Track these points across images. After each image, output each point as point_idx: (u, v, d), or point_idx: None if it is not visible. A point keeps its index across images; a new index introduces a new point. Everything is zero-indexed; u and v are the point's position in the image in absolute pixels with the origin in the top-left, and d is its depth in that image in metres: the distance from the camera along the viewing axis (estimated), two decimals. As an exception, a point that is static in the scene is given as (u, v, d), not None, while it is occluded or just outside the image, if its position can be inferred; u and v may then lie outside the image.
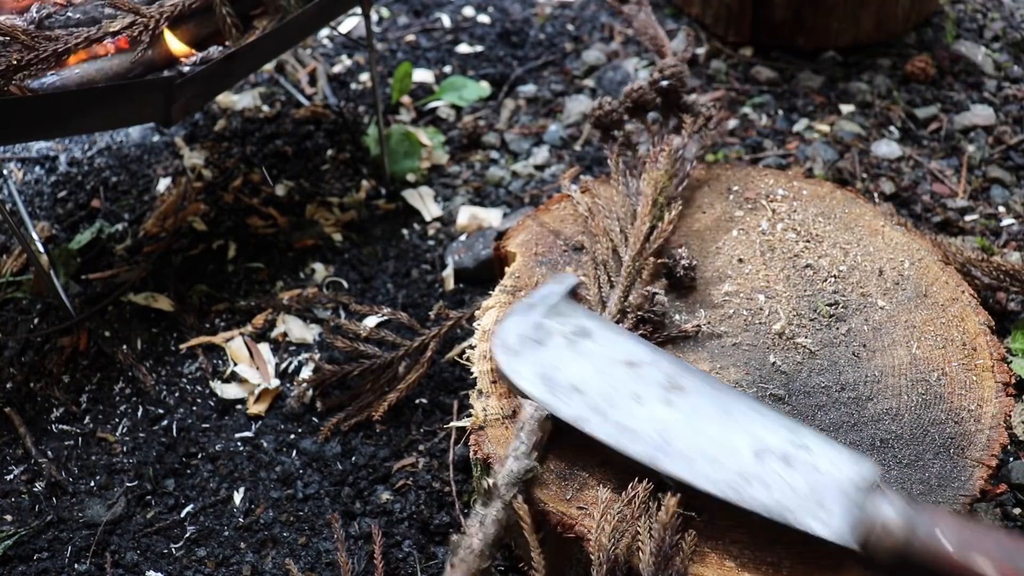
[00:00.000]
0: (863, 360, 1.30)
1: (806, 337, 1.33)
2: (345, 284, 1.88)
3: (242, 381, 1.69)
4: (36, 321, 1.80)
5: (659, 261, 1.43)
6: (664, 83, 1.57)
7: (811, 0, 2.28)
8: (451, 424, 1.60)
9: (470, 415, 1.26)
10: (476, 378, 1.30)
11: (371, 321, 1.76)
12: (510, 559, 1.41)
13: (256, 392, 1.66)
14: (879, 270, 1.43)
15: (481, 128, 2.23)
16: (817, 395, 1.26)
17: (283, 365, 1.72)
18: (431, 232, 2.00)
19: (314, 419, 1.63)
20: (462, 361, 1.35)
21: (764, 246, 1.48)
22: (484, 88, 2.32)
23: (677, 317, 1.36)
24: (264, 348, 1.74)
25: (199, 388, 1.69)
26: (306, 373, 1.70)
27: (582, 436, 1.15)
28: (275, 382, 1.68)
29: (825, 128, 2.17)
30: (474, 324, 1.40)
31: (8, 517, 1.50)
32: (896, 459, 1.19)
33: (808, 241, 1.48)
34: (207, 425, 1.63)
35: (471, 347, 1.35)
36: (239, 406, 1.66)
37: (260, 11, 1.67)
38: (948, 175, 2.05)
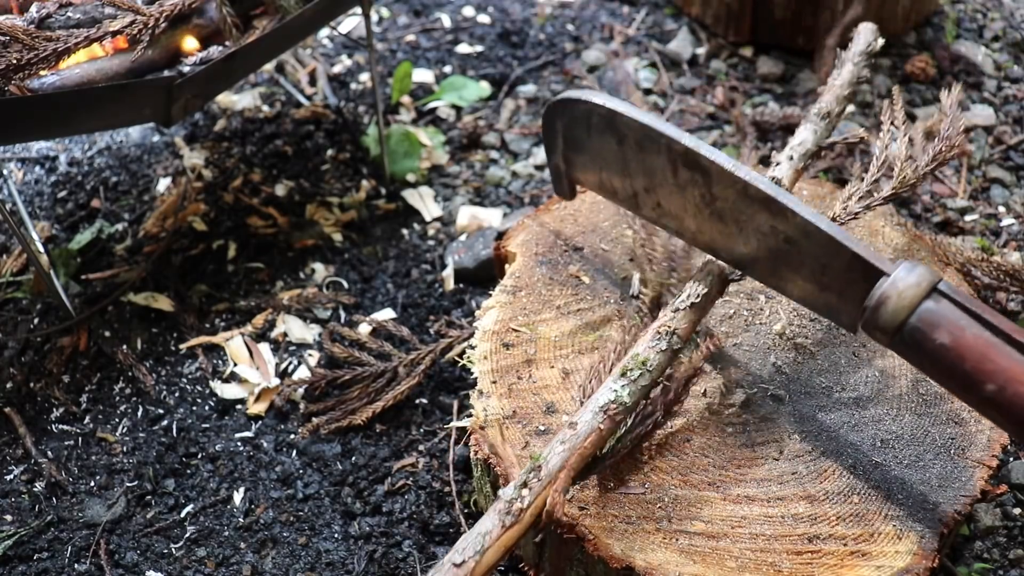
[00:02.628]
0: (863, 360, 1.30)
1: (806, 338, 1.33)
2: (345, 284, 1.88)
3: (242, 381, 1.69)
4: (36, 321, 1.80)
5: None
6: None
7: (811, 0, 2.28)
8: (451, 424, 1.60)
9: (470, 415, 1.26)
10: (476, 378, 1.30)
11: (367, 328, 1.76)
12: (510, 559, 1.41)
13: (256, 392, 1.66)
14: None
15: (481, 128, 2.23)
16: (818, 396, 1.26)
17: (283, 365, 1.72)
18: (431, 232, 2.00)
19: (293, 421, 1.63)
20: (462, 361, 1.35)
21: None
22: (484, 88, 2.32)
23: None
24: (264, 348, 1.74)
25: (199, 388, 1.69)
26: (301, 372, 1.70)
27: None
28: (275, 382, 1.68)
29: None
30: (474, 324, 1.40)
31: (8, 517, 1.50)
32: (897, 459, 1.19)
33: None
34: (207, 425, 1.63)
35: (471, 347, 1.35)
36: (239, 406, 1.66)
37: (260, 11, 1.67)
38: (948, 175, 2.05)
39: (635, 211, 1.30)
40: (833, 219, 1.36)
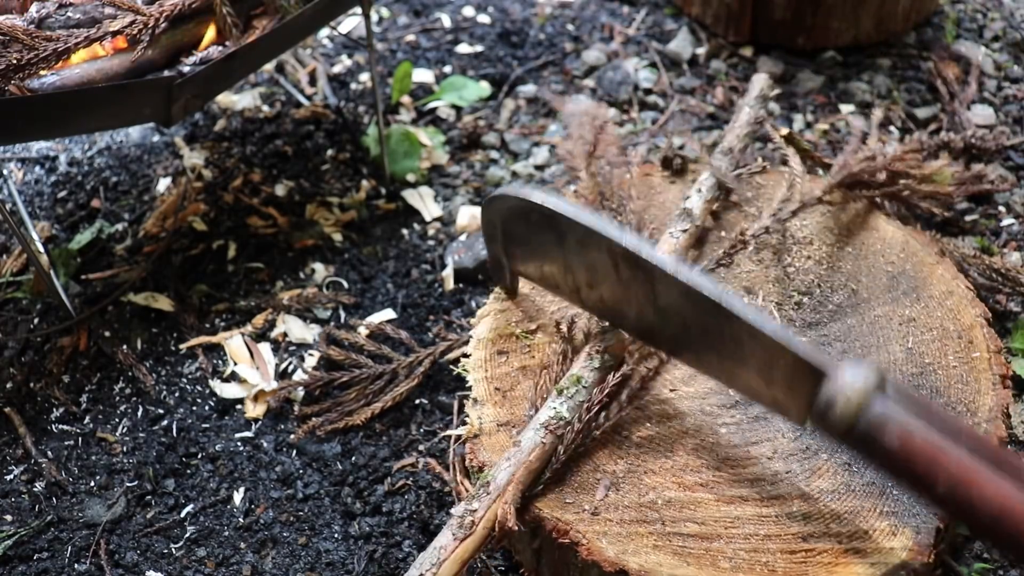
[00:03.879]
0: (856, 356, 1.30)
1: (802, 335, 1.33)
2: (345, 284, 1.88)
3: (242, 381, 1.69)
4: (36, 321, 1.80)
5: None
6: None
7: (811, 0, 2.28)
8: (448, 432, 1.60)
9: (466, 422, 1.26)
10: (472, 386, 1.30)
11: (366, 330, 1.76)
12: (510, 564, 1.41)
13: (253, 393, 1.66)
14: (874, 265, 1.43)
15: (481, 128, 2.23)
16: (814, 394, 1.26)
17: (283, 365, 1.72)
18: (431, 232, 2.00)
19: (292, 421, 1.63)
20: (458, 369, 1.35)
21: (758, 243, 1.48)
22: (484, 88, 2.32)
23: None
24: (264, 348, 1.74)
25: (199, 388, 1.69)
26: (302, 373, 1.70)
27: None
28: (273, 384, 1.67)
29: (825, 128, 2.17)
30: (469, 333, 1.40)
31: (8, 517, 1.50)
32: (895, 458, 1.18)
33: (803, 237, 1.48)
34: (207, 425, 1.63)
35: (465, 355, 1.35)
36: (239, 406, 1.66)
37: (260, 11, 1.67)
38: (948, 175, 2.04)
39: (578, 304, 1.29)
40: (742, 235, 1.42)
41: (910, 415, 0.97)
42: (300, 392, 1.66)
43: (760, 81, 1.73)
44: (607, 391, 1.21)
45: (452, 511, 1.10)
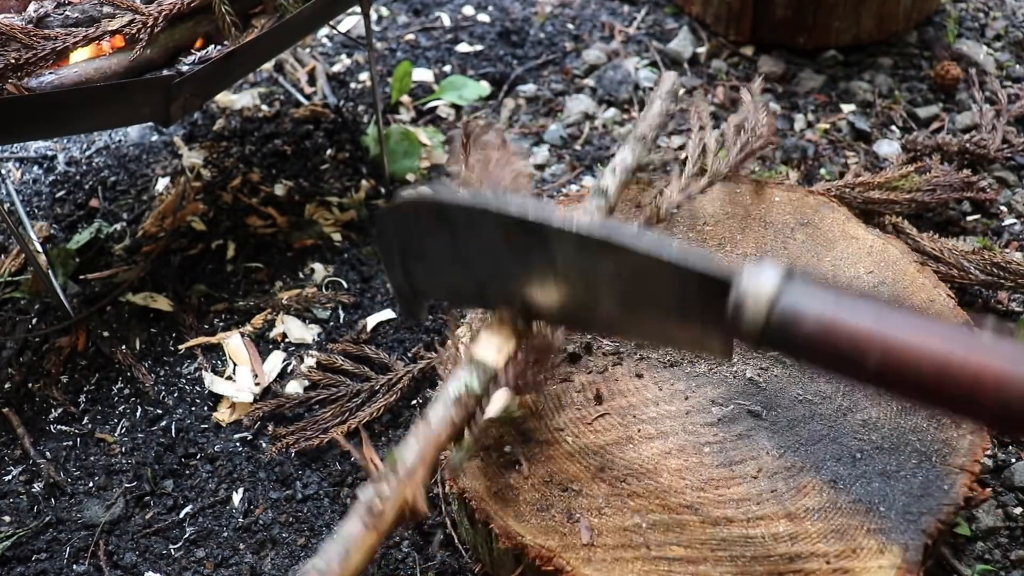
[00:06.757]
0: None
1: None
2: (344, 284, 1.88)
3: (234, 382, 1.68)
4: (34, 321, 1.80)
5: None
6: None
7: (812, -1, 2.28)
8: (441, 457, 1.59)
9: None
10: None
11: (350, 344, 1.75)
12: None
13: (232, 402, 1.65)
14: (855, 276, 1.41)
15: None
16: (795, 408, 1.23)
17: (283, 365, 1.72)
18: (431, 232, 1.99)
19: (262, 441, 1.62)
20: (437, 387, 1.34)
21: (737, 256, 1.46)
22: (484, 88, 2.32)
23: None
24: (264, 348, 1.74)
25: (198, 388, 1.69)
26: (293, 386, 1.69)
27: None
28: (251, 396, 1.66)
29: (826, 127, 2.17)
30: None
31: (6, 518, 1.49)
32: (877, 470, 1.16)
33: (785, 248, 1.46)
34: (206, 425, 1.63)
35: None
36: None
37: (259, 10, 1.66)
38: (949, 174, 2.04)
39: (486, 306, 1.20)
40: (657, 214, 1.39)
41: (823, 298, 0.89)
42: (295, 388, 1.65)
43: (669, 78, 1.76)
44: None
45: (359, 494, 1.03)
